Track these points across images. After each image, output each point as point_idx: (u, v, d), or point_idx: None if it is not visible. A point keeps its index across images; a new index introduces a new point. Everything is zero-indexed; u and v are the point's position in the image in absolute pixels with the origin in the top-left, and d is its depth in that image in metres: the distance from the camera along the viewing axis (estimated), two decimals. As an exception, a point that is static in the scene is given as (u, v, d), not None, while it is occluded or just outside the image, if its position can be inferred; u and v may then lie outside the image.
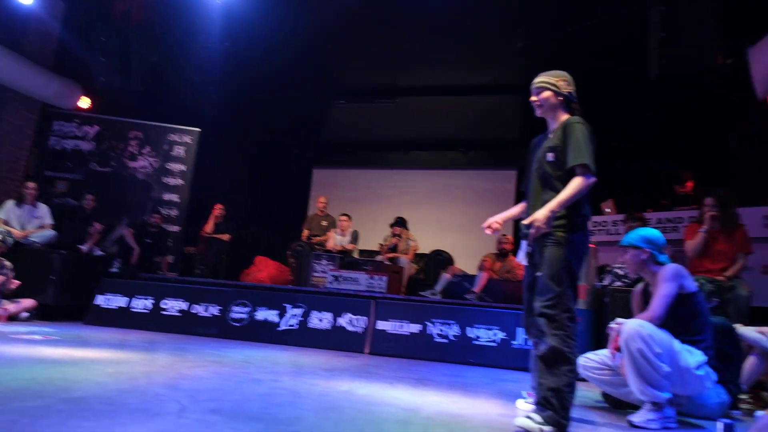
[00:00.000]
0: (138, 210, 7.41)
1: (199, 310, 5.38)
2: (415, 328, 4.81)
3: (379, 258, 6.65)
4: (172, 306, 5.46)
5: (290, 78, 7.97)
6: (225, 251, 7.56)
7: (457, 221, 8.78)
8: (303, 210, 9.39)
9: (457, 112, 8.42)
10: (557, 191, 2.31)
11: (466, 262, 7.05)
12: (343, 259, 6.27)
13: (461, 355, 4.61)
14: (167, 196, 7.64)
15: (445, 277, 6.06)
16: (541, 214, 2.25)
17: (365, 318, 4.98)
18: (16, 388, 2.23)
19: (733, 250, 4.21)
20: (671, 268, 2.80)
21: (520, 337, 4.55)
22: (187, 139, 7.79)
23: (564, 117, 2.46)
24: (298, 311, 5.16)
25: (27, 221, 5.98)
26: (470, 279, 5.97)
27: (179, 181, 7.68)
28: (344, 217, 7.25)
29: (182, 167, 7.72)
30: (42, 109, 7.51)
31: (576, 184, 2.28)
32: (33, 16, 7.03)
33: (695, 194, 5.82)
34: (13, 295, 5.32)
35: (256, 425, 1.96)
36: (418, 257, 7.07)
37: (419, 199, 9.23)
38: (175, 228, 7.51)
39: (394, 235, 6.92)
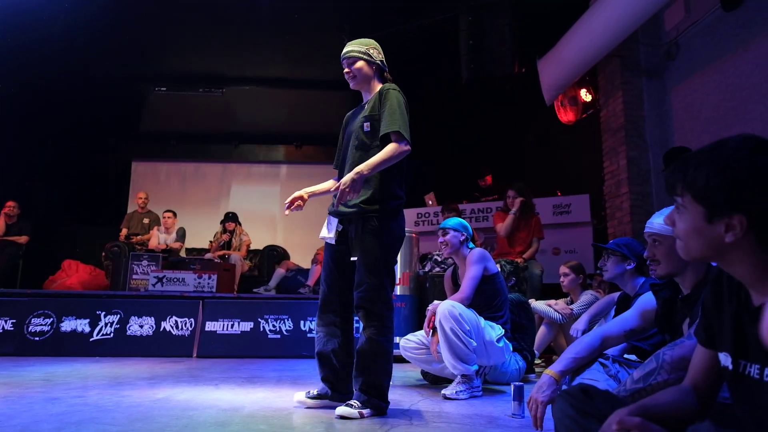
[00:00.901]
0: None
1: (-13, 325, 4.59)
2: (246, 326, 4.69)
3: (208, 256, 6.33)
4: (-52, 323, 4.58)
5: (97, 57, 7.08)
6: (21, 255, 6.54)
7: (291, 216, 8.71)
8: (122, 207, 8.52)
9: (288, 105, 8.33)
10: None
11: (301, 256, 7.06)
12: (168, 259, 5.85)
13: (295, 349, 4.60)
14: (-61, 193, 6.35)
15: (279, 272, 6.01)
16: (347, 177, 2.13)
17: (192, 320, 4.71)
18: None
19: (529, 236, 4.85)
20: (478, 251, 3.13)
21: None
22: (-34, 124, 6.56)
23: (378, 86, 2.40)
24: (114, 318, 4.68)
25: None
26: (305, 273, 6.00)
27: (-44, 175, 6.44)
28: (168, 214, 6.75)
29: (-40, 158, 6.48)
30: None
31: (389, 149, 2.20)
32: None
33: (494, 186, 6.59)
34: None
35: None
36: (252, 253, 6.89)
37: (251, 194, 8.99)
38: (-49, 230, 6.29)
39: (225, 230, 6.65)
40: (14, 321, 4.63)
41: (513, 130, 7.88)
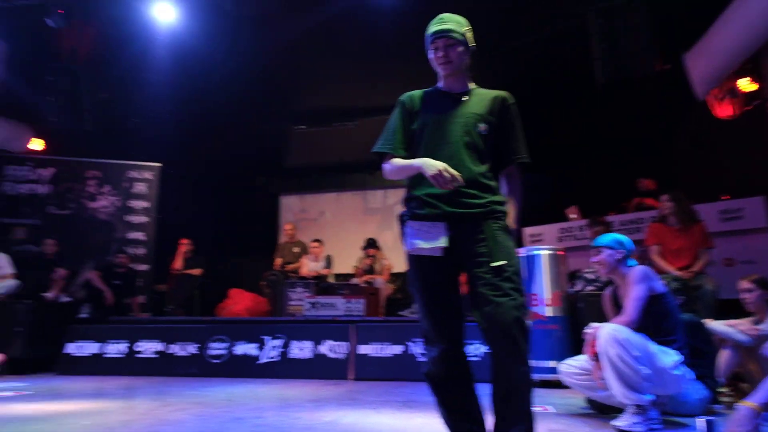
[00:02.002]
0: (102, 251, 7.20)
1: (176, 349, 5.25)
2: (397, 349, 4.81)
3: (354, 281, 6.64)
4: (148, 348, 5.31)
5: (248, 105, 7.92)
6: (197, 286, 7.41)
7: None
8: (273, 238, 9.30)
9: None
10: (487, 170, 1.99)
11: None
12: (319, 285, 6.24)
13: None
14: (132, 235, 7.46)
15: (422, 294, 6.10)
16: (513, 215, 2.01)
17: (346, 343, 4.95)
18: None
19: (693, 247, 4.39)
20: (640, 270, 2.91)
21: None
22: (147, 175, 7.65)
23: (467, 79, 2.13)
24: (278, 342, 5.09)
25: (-12, 273, 5.75)
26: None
27: (143, 219, 7.52)
28: (315, 243, 7.22)
29: (145, 204, 7.57)
30: (-8, 155, 7.27)
31: (521, 190, 2.07)
32: (-25, 59, 6.82)
33: (658, 190, 6.05)
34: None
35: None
36: (394, 277, 7.09)
37: (388, 218, 9.28)
38: (143, 267, 7.34)
39: (367, 256, 6.94)
40: (197, 345, 5.24)
41: (660, 132, 7.26)
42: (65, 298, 6.31)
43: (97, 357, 5.39)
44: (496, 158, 2.05)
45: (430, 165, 1.88)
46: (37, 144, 7.53)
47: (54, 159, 7.48)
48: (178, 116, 7.37)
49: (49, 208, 7.28)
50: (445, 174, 1.84)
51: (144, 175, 7.63)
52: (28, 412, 3.17)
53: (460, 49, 2.05)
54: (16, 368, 5.41)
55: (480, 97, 2.08)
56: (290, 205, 9.75)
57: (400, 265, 7.60)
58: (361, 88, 7.81)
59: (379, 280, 6.52)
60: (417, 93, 2.17)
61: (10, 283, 5.83)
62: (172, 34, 5.94)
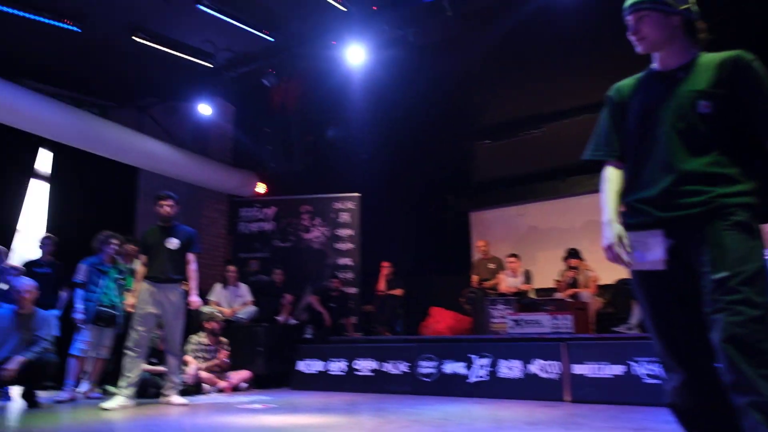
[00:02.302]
0: (318, 277, 8.03)
1: (389, 368, 5.56)
2: (617, 369, 4.41)
3: (558, 295, 6.32)
4: (364, 366, 5.72)
5: (433, 128, 8.23)
6: (399, 306, 7.80)
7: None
8: (467, 255, 9.36)
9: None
10: (716, 157, 1.63)
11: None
12: (520, 302, 6.07)
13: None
14: (341, 261, 8.18)
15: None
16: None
17: (558, 363, 4.71)
18: (261, 462, 2.47)
19: None
20: None
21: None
22: (350, 204, 8.35)
23: (690, 48, 1.75)
24: (485, 361, 5.06)
25: (232, 300, 6.81)
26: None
27: (349, 245, 8.20)
28: (512, 258, 7.07)
29: (350, 232, 8.25)
30: (229, 200, 8.65)
31: None
32: (212, 123, 8.24)
33: None
34: (231, 368, 6.02)
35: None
36: (601, 289, 6.57)
37: (586, 227, 8.67)
38: (353, 290, 7.98)
39: (570, 268, 6.56)
40: (408, 364, 5.48)
41: None
42: (293, 321, 7.16)
43: (322, 374, 5.97)
44: (735, 138, 1.66)
45: (606, 232, 1.74)
46: (261, 187, 8.76)
47: (275, 199, 8.62)
48: (372, 147, 7.95)
49: (275, 242, 8.37)
50: (615, 249, 1.68)
51: (347, 205, 8.34)
52: (276, 424, 3.63)
53: (656, 16, 1.72)
54: (260, 383, 6.28)
55: (703, 68, 1.70)
56: (481, 221, 9.73)
57: (607, 275, 7.01)
58: (543, 93, 7.54)
59: (585, 294, 6.10)
60: (627, 82, 1.90)
61: (251, 309, 6.82)
62: (364, 72, 6.44)
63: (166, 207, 4.78)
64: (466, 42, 6.26)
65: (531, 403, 4.43)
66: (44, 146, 6.88)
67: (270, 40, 6.11)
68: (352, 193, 8.39)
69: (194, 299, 4.76)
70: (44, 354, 4.59)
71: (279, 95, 7.79)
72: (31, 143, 6.67)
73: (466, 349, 5.25)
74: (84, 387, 5.42)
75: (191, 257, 4.82)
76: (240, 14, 5.72)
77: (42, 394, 4.86)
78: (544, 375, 4.73)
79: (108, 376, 5.89)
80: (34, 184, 7.00)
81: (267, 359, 6.33)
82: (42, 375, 4.66)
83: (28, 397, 4.63)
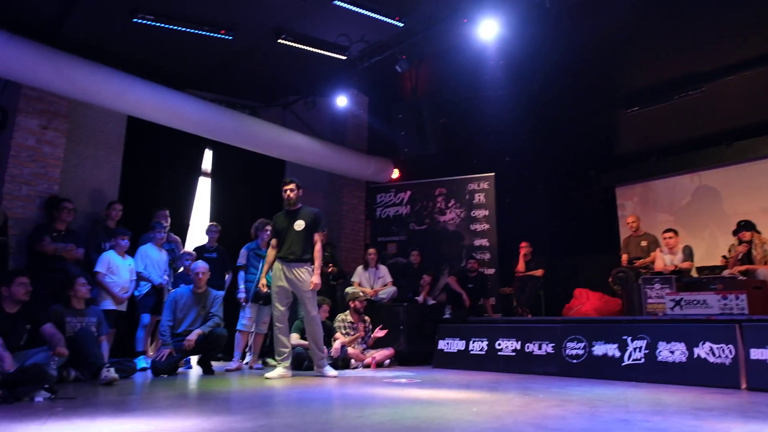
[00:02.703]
0: (455, 259, 8.03)
1: (534, 348, 5.40)
2: (810, 354, 3.81)
3: (726, 273, 5.62)
4: (507, 346, 5.62)
5: (572, 99, 7.72)
6: (541, 287, 7.51)
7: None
8: (613, 233, 8.70)
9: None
10: None
11: None
12: (681, 280, 5.50)
13: None
14: (478, 242, 8.09)
15: (833, 286, 4.72)
16: None
17: (731, 346, 4.19)
18: (409, 426, 2.54)
19: None
20: None
21: None
22: (484, 185, 8.20)
23: None
24: (642, 343, 4.68)
25: (374, 281, 7.09)
26: None
27: (486, 226, 8.07)
28: (669, 234, 6.43)
29: (485, 212, 8.12)
30: (366, 187, 8.98)
31: None
32: (348, 114, 8.60)
33: None
34: (375, 346, 6.29)
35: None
36: (783, 266, 5.71)
37: (758, 195, 7.55)
38: (490, 271, 7.86)
39: (741, 242, 5.79)
40: (553, 345, 5.27)
41: None
42: (431, 301, 7.26)
43: (462, 353, 5.98)
44: None
45: None
46: (396, 173, 8.97)
47: (409, 183, 8.77)
48: (508, 124, 7.70)
49: (411, 225, 8.54)
50: None
51: (482, 185, 8.21)
52: (423, 397, 3.71)
53: None
54: (402, 360, 6.47)
55: None
56: (628, 195, 8.97)
57: (789, 251, 6.07)
58: (702, 49, 6.67)
59: (763, 271, 5.34)
60: None
61: (391, 290, 7.04)
62: (497, 47, 6.25)
63: (289, 192, 5.04)
64: (607, 0, 5.78)
65: (698, 389, 4.01)
66: (208, 146, 7.73)
67: (400, 26, 6.18)
68: (486, 174, 8.23)
69: (316, 280, 4.95)
70: (216, 328, 5.20)
71: (410, 80, 7.87)
72: (198, 144, 7.52)
73: (619, 331, 4.89)
74: (248, 358, 6.03)
75: (317, 237, 5.02)
76: (372, 4, 5.86)
77: (215, 364, 5.51)
78: (713, 360, 4.25)
79: (267, 350, 6.50)
80: (201, 181, 7.90)
81: (408, 338, 6.50)
82: (215, 347, 5.29)
83: (205, 365, 5.28)
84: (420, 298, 7.09)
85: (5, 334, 3.82)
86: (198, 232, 7.33)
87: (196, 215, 7.64)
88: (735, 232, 5.91)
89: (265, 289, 5.29)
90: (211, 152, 7.87)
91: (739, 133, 7.83)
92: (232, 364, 5.68)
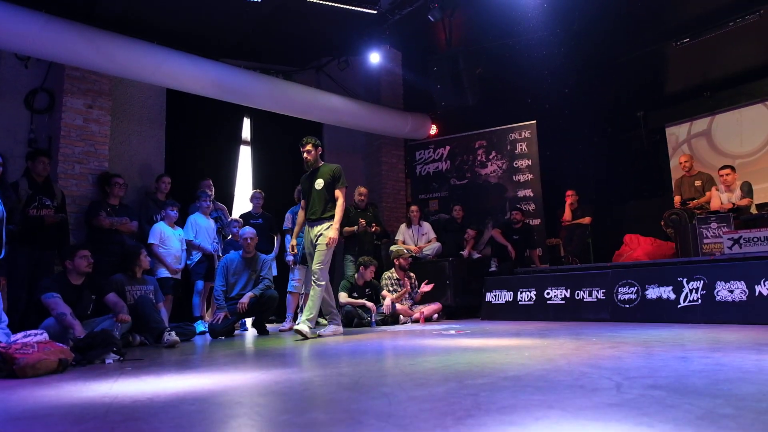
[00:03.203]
0: (499, 211, 7.93)
1: (584, 295, 5.32)
2: None
3: (790, 208, 5.33)
4: (556, 295, 5.56)
5: (616, 36, 7.33)
6: (589, 235, 7.34)
7: None
8: (664, 175, 8.36)
9: None
10: None
11: None
12: (739, 218, 5.25)
13: None
14: (521, 193, 7.94)
15: None
16: None
17: (795, 281, 4.01)
18: (461, 371, 2.57)
19: None
20: None
21: None
22: (526, 134, 7.98)
23: None
24: (697, 284, 4.53)
25: (417, 238, 7.11)
26: None
27: (529, 176, 7.90)
28: (726, 170, 6.11)
29: (528, 162, 7.93)
30: (405, 145, 8.90)
31: None
32: (382, 71, 8.47)
33: None
34: (423, 301, 6.35)
35: (714, 400, 1.72)
36: None
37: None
38: (536, 221, 7.73)
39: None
40: (604, 291, 5.17)
41: None
42: (476, 255, 7.23)
43: (510, 304, 5.96)
44: None
45: None
46: (433, 129, 8.84)
47: (448, 138, 8.64)
48: (548, 68, 7.40)
49: (452, 181, 8.45)
50: None
51: (523, 134, 8.00)
52: (474, 345, 3.73)
53: None
54: (450, 314, 6.52)
55: None
56: (680, 134, 8.55)
57: None
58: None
59: (830, 203, 5.02)
60: None
61: (435, 246, 7.04)
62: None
63: (305, 154, 4.98)
64: None
65: (759, 327, 3.87)
66: (246, 115, 7.80)
67: (432, -27, 5.98)
68: (527, 122, 8.00)
69: (331, 233, 4.75)
70: (267, 291, 5.36)
71: (444, 30, 7.64)
72: (237, 113, 7.61)
73: (673, 273, 4.75)
74: (300, 318, 6.21)
75: (338, 192, 4.91)
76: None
77: (269, 326, 5.71)
78: (778, 296, 4.08)
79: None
80: (242, 150, 8.02)
81: (455, 292, 6.53)
82: (268, 308, 5.47)
83: (259, 326, 5.48)
84: (465, 253, 7.07)
85: (73, 305, 4.06)
86: (243, 200, 7.50)
87: (240, 183, 7.80)
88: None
89: (294, 251, 5.36)
90: (249, 120, 7.95)
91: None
92: (285, 325, 5.87)
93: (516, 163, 8.00)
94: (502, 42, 7.38)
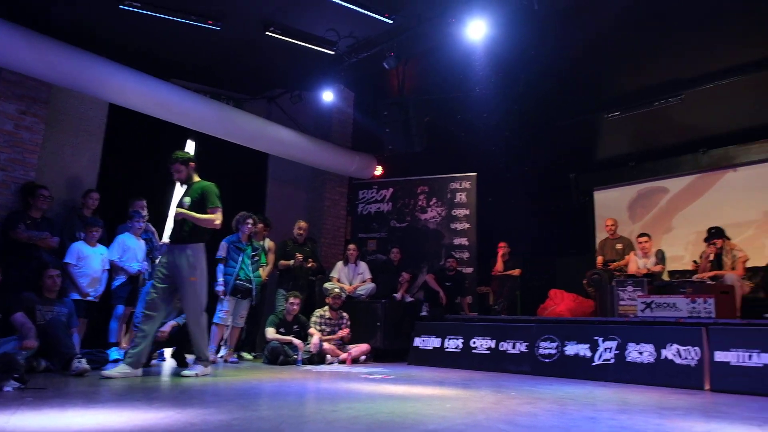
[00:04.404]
0: (434, 257, 8.09)
1: (508, 347, 5.48)
2: (769, 358, 3.95)
3: (696, 277, 5.77)
4: (481, 344, 5.69)
5: (556, 102, 7.84)
6: (518, 287, 7.62)
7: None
8: (590, 236, 8.87)
9: (765, 91, 6.95)
10: None
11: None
12: (653, 284, 5.63)
13: None
14: (457, 241, 8.16)
15: (797, 292, 4.88)
16: None
17: (697, 348, 4.32)
18: (384, 421, 2.58)
19: None
20: None
21: None
22: (466, 184, 8.27)
23: None
24: (612, 344, 4.79)
25: (353, 277, 7.12)
26: (838, 293, 4.67)
27: (466, 225, 8.15)
28: (643, 238, 6.57)
29: (466, 211, 8.19)
30: (349, 183, 8.99)
31: None
32: (334, 109, 8.59)
33: None
34: (351, 342, 6.32)
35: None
36: (750, 272, 5.89)
37: (731, 202, 7.77)
38: (469, 270, 7.94)
39: (710, 245, 5.94)
40: (527, 344, 5.36)
41: None
42: (409, 298, 7.31)
43: (438, 350, 6.04)
44: None
45: None
46: (379, 170, 8.99)
47: (392, 180, 8.81)
48: (492, 125, 7.78)
49: (392, 222, 8.57)
50: None
51: (464, 184, 8.28)
52: (398, 393, 3.75)
53: None
54: (378, 356, 6.51)
55: None
56: (606, 199, 9.13)
57: (758, 257, 6.28)
58: (682, 57, 6.82)
59: (731, 276, 5.50)
60: None
61: (369, 286, 7.07)
62: (484, 48, 6.30)
63: (174, 173, 4.50)
64: (596, 6, 5.87)
65: (663, 390, 4.12)
66: (190, 137, 7.64)
67: (390, 23, 6.19)
68: (468, 173, 8.30)
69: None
70: (192, 320, 5.15)
71: (397, 77, 7.88)
72: (181, 135, 7.43)
73: (590, 331, 5.00)
74: (223, 352, 6.02)
75: (210, 214, 4.35)
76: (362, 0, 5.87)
77: (189, 356, 5.49)
78: (680, 361, 4.37)
79: (243, 343, 6.49)
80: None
81: (385, 334, 6.54)
82: (189, 339, 5.25)
83: (179, 358, 5.25)
84: (398, 295, 7.14)
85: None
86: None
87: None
88: (706, 239, 6.07)
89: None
90: (193, 143, 7.79)
91: (714, 141, 8.03)
92: (208, 357, 5.65)
93: (454, 212, 8.24)
94: (452, 95, 7.70)
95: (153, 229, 6.38)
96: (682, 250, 7.80)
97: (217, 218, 4.39)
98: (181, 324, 5.05)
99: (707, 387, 4.15)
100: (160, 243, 6.29)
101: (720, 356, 4.17)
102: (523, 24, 5.90)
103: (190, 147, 7.79)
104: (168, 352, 5.64)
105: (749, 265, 5.93)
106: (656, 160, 8.62)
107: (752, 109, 7.27)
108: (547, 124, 8.31)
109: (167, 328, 4.96)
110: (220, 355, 5.97)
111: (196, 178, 4.56)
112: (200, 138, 7.52)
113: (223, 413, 2.66)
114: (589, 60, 6.93)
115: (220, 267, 5.90)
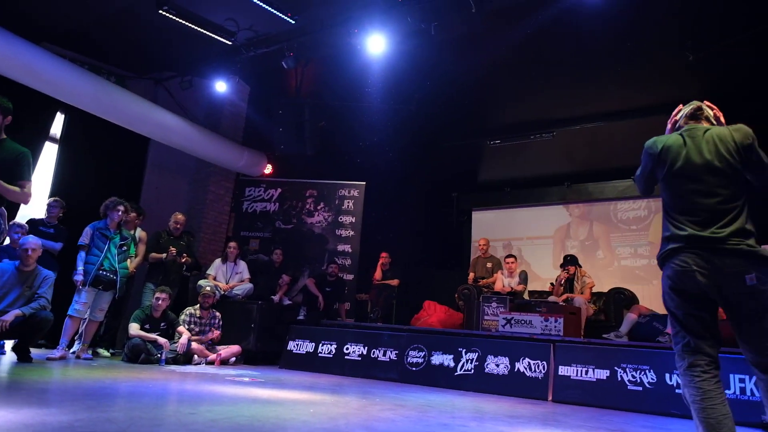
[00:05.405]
0: (317, 261, 8.10)
1: (379, 354, 5.63)
2: (602, 373, 4.47)
3: (552, 299, 6.37)
4: (354, 351, 5.80)
5: (445, 125, 8.26)
6: (395, 296, 7.86)
7: (641, 254, 8.10)
8: (467, 253, 9.42)
9: (623, 137, 7.90)
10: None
11: (655, 300, 6.42)
12: (514, 301, 6.12)
13: (661, 405, 4.14)
14: (341, 247, 8.25)
15: (631, 317, 5.57)
16: None
17: (545, 363, 4.77)
18: (243, 425, 2.54)
19: None
20: None
21: (738, 386, 3.95)
22: (355, 192, 8.40)
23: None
24: (473, 356, 5.13)
25: (230, 276, 6.89)
26: (662, 319, 5.40)
27: (351, 232, 8.26)
28: (510, 259, 7.12)
29: (352, 219, 8.31)
30: (236, 178, 8.72)
31: None
32: (226, 101, 8.30)
33: None
34: (222, 342, 6.11)
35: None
36: (595, 296, 6.62)
37: (588, 234, 8.71)
38: (349, 276, 8.04)
39: (564, 271, 6.59)
40: (397, 352, 5.55)
41: None
42: (287, 301, 7.24)
43: (311, 355, 6.05)
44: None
45: None
46: (268, 168, 8.82)
47: (281, 181, 8.69)
48: (383, 138, 7.99)
49: (277, 223, 8.45)
50: None
51: (352, 192, 8.40)
52: (264, 396, 3.70)
53: None
54: (249, 359, 6.36)
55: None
56: (483, 220, 9.77)
57: (602, 284, 7.08)
58: (557, 98, 7.55)
59: (579, 299, 6.14)
60: None
61: (247, 286, 6.89)
62: (382, 63, 6.47)
63: None
64: (488, 40, 6.28)
65: (514, 400, 4.49)
66: (60, 110, 6.95)
67: (292, 23, 6.14)
68: (358, 182, 8.44)
69: None
70: (41, 311, 4.68)
71: (295, 78, 7.81)
72: (50, 106, 6.73)
73: (455, 343, 5.31)
74: (76, 347, 5.52)
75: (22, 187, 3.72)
76: (267, -5, 5.76)
77: (36, 351, 4.96)
78: (530, 374, 4.79)
79: (100, 339, 6.02)
80: (47, 146, 7.06)
81: (258, 336, 6.41)
82: (37, 332, 4.75)
83: (21, 351, 4.73)
84: (276, 298, 7.04)
85: None
86: (38, 204, 6.55)
87: (37, 185, 6.81)
88: (562, 265, 6.72)
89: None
90: (63, 116, 7.10)
91: (579, 177, 8.94)
92: (56, 353, 5.16)
93: (341, 218, 8.33)
94: (348, 103, 7.80)
95: (2, 210, 5.69)
96: (546, 273, 8.56)
97: (31, 194, 3.79)
98: (27, 314, 4.56)
99: (550, 398, 4.59)
100: (12, 223, 5.62)
101: (563, 370, 4.65)
102: (420, 47, 6.16)
103: (59, 119, 7.10)
104: (9, 344, 5.06)
105: (596, 290, 6.66)
106: (528, 189, 9.40)
107: (610, 152, 8.22)
108: (435, 143, 8.73)
109: (9, 317, 4.46)
110: (72, 350, 5.46)
111: (3, 135, 3.77)
112: (72, 111, 6.88)
113: (65, 414, 2.45)
114: (477, 89, 7.40)
115: (81, 254, 5.42)
